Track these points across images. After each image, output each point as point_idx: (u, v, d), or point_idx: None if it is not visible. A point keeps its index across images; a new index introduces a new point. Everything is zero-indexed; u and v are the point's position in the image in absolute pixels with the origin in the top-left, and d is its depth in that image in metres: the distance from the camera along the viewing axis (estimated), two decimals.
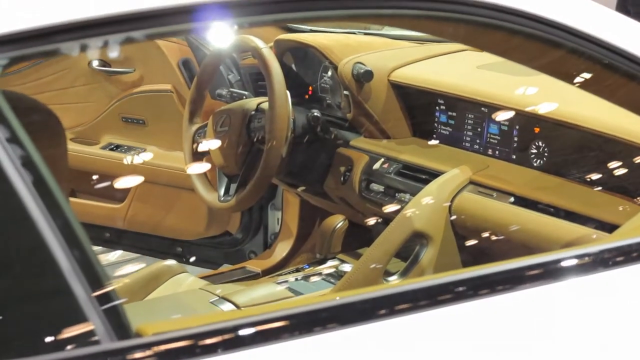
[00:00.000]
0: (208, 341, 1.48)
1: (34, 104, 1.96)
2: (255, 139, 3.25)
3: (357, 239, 3.33)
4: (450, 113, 3.09)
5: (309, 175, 3.37)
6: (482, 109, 2.96)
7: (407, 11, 1.88)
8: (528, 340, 1.68)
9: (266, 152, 3.13)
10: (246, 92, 3.60)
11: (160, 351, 1.45)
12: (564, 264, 1.78)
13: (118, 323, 1.44)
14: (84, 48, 1.63)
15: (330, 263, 3.17)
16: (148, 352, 1.44)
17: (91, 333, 1.41)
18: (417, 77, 3.19)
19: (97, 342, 1.41)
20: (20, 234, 1.44)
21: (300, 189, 3.51)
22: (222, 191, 3.35)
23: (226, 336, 1.49)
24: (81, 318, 1.41)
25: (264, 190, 3.32)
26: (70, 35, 1.57)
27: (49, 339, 1.41)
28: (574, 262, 1.79)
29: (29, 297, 1.44)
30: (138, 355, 1.43)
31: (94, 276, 1.44)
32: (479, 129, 2.99)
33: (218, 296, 2.77)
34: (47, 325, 1.42)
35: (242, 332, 1.50)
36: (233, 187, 3.32)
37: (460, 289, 1.69)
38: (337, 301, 1.74)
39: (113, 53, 3.20)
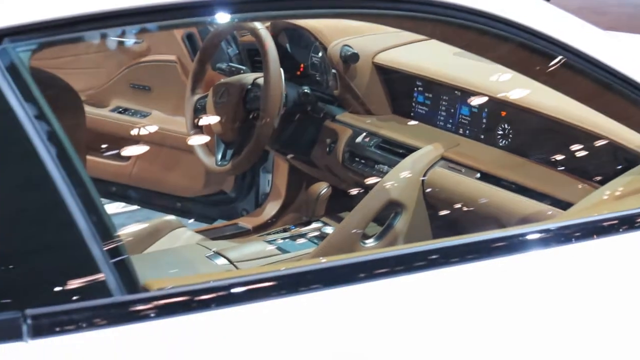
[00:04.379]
0: (206, 297, 1.52)
1: (58, 82, 1.98)
2: (250, 111, 3.27)
3: (339, 204, 3.34)
4: (427, 94, 3.11)
5: (298, 144, 3.39)
6: (456, 92, 2.98)
7: (386, 11, 1.90)
8: (490, 306, 1.71)
9: (260, 124, 3.15)
10: (244, 67, 3.61)
11: (163, 304, 1.49)
12: (526, 237, 1.83)
13: (128, 278, 1.48)
14: (104, 36, 1.67)
15: (314, 225, 3.19)
16: (153, 305, 1.48)
17: (104, 286, 1.45)
18: (398, 61, 3.21)
19: (109, 295, 1.44)
20: (45, 198, 1.47)
21: (289, 156, 3.53)
22: (219, 156, 3.37)
23: (221, 293, 1.53)
24: (95, 272, 1.44)
25: (257, 157, 3.34)
26: (93, 25, 1.58)
27: (66, 290, 1.44)
28: (534, 236, 1.83)
29: (50, 252, 1.47)
30: (144, 307, 1.47)
31: (109, 236, 1.47)
32: (452, 110, 3.01)
33: (213, 251, 2.79)
34: (65, 278, 1.45)
35: (236, 289, 1.54)
36: (229, 153, 3.34)
37: (433, 257, 1.73)
38: (322, 264, 1.79)
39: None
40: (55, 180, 1.45)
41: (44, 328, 1.40)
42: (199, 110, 3.46)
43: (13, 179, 1.47)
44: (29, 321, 1.39)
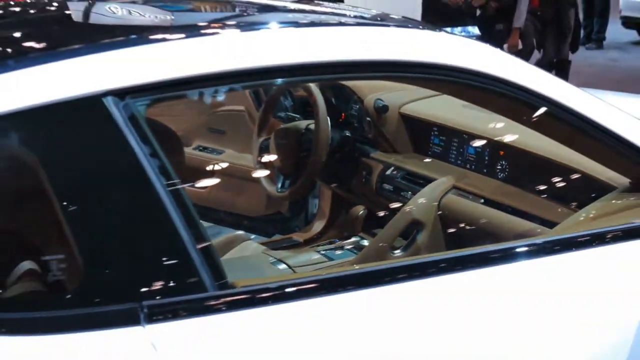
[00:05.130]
0: (277, 293, 1.55)
1: (166, 128, 2.02)
2: (304, 150, 3.29)
3: (373, 223, 3.30)
4: (441, 137, 3.10)
5: (340, 176, 3.38)
6: (464, 135, 2.98)
7: (412, 74, 1.96)
8: (487, 305, 1.73)
9: (311, 161, 3.19)
10: (298, 115, 3.63)
11: (246, 298, 1.52)
12: (518, 249, 1.84)
13: (219, 277, 1.50)
14: (201, 95, 1.71)
15: (353, 239, 3.15)
16: (239, 299, 1.51)
17: (202, 283, 1.48)
18: (419, 111, 3.20)
19: (205, 290, 1.48)
20: (157, 216, 1.49)
21: (333, 185, 3.52)
22: (279, 185, 3.39)
23: (287, 290, 1.57)
24: (195, 273, 1.48)
25: (310, 187, 3.37)
26: (191, 85, 1.62)
27: (173, 286, 1.47)
28: (525, 249, 1.85)
29: (161, 257, 1.49)
30: (232, 300, 1.51)
31: (204, 245, 1.50)
32: (461, 150, 3.00)
33: (276, 258, 2.79)
34: (172, 277, 1.48)
35: (297, 288, 1.57)
36: (287, 183, 3.37)
37: (442, 265, 1.75)
38: (356, 270, 1.84)
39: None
40: (164, 202, 1.48)
41: (156, 316, 1.43)
42: (263, 150, 3.48)
43: (133, 202, 1.50)
44: (145, 310, 1.41)
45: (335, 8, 2.27)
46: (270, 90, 3.58)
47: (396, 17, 2.16)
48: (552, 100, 1.95)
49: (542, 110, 1.97)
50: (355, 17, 2.11)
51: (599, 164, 2.23)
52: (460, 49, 1.92)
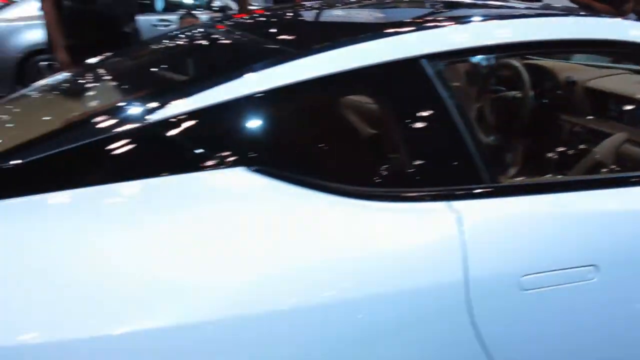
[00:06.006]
0: (522, 188, 1.85)
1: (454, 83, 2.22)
2: (511, 114, 3.39)
3: (563, 167, 3.04)
4: (616, 105, 3.18)
5: (538, 133, 3.18)
6: (635, 103, 3.08)
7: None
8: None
9: (517, 121, 3.30)
10: (503, 88, 3.76)
11: (511, 189, 1.82)
12: None
13: (493, 175, 1.77)
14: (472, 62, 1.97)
15: (547, 176, 3.12)
16: (504, 190, 1.78)
17: (481, 178, 1.76)
18: (599, 85, 3.31)
19: (482, 183, 1.75)
20: (455, 135, 1.73)
21: (531, 140, 3.42)
22: (490, 138, 3.55)
23: (528, 186, 1.87)
24: (479, 173, 1.76)
25: (514, 140, 3.43)
26: (470, 54, 1.98)
27: (465, 179, 1.70)
28: None
29: (459, 163, 1.72)
30: (500, 190, 1.75)
31: (486, 156, 1.75)
32: (631, 113, 3.09)
33: None
34: (466, 174, 1.72)
35: (533, 185, 1.88)
36: (496, 138, 3.39)
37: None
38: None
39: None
40: (460, 127, 1.75)
41: (457, 197, 1.71)
42: (479, 113, 3.69)
43: (440, 127, 1.76)
44: (452, 193, 1.69)
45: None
46: (484, 70, 3.76)
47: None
48: None
49: None
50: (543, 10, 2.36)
51: None
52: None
